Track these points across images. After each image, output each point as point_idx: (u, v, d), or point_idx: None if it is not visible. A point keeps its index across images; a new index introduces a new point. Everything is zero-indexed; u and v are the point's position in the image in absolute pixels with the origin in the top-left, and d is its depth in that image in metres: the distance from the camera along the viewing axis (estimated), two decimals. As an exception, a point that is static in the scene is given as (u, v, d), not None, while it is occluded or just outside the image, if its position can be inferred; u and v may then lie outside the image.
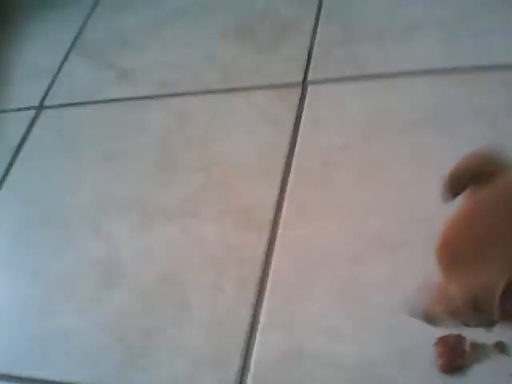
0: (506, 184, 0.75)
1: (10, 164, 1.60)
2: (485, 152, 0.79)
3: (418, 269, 1.13)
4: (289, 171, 1.35)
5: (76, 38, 1.86)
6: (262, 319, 1.15)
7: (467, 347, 1.03)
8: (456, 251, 0.75)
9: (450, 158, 1.28)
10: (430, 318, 0.79)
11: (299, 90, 1.49)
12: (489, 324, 0.77)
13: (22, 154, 1.61)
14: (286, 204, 1.30)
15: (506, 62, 1.36)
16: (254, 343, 1.12)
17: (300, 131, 1.41)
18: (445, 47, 1.44)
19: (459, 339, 1.04)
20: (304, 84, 1.50)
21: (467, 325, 0.78)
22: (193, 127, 1.51)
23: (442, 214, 1.21)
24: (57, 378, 1.19)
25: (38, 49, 1.89)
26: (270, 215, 1.29)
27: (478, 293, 0.70)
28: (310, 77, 1.51)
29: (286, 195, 1.31)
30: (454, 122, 1.31)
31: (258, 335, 1.13)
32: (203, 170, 1.41)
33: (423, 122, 1.34)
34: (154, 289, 1.25)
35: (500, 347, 1.03)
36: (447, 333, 1.03)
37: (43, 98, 1.73)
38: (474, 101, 1.33)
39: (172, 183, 1.41)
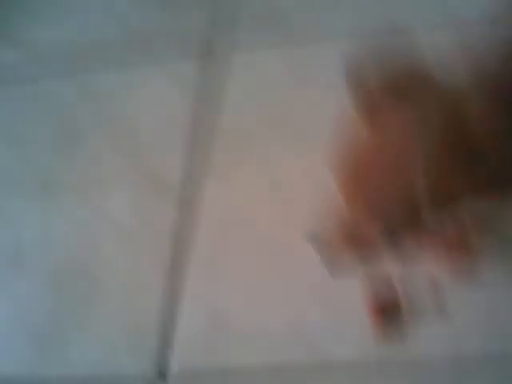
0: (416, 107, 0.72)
1: None
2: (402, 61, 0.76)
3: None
4: (201, 135, 1.25)
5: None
6: (181, 291, 1.05)
7: (403, 305, 0.97)
8: (365, 177, 0.71)
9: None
10: (327, 247, 0.76)
11: (213, 55, 1.40)
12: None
13: None
14: (200, 169, 1.20)
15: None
16: (173, 320, 1.02)
17: (212, 96, 1.31)
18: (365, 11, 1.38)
19: (394, 298, 0.97)
20: (218, 49, 1.41)
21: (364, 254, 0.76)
22: (99, 97, 1.39)
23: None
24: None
25: None
26: (183, 183, 1.19)
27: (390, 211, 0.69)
28: (224, 41, 1.42)
29: (199, 160, 1.22)
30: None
31: (177, 310, 1.03)
32: (110, 142, 1.30)
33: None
34: (60, 272, 1.13)
35: (437, 303, 0.97)
36: (382, 291, 0.98)
37: None
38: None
39: (77, 156, 1.29)
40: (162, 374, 0.95)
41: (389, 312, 0.96)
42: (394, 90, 0.76)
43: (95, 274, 1.12)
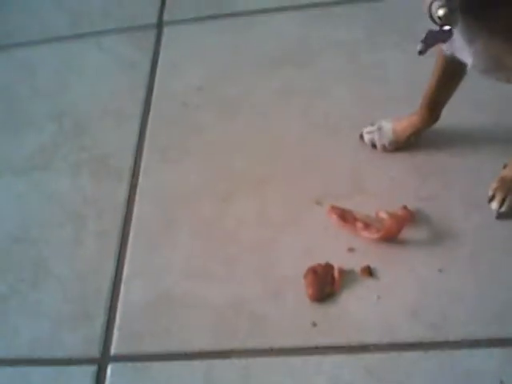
0: None
1: None
2: None
3: (285, 201, 1.12)
4: (147, 115, 1.28)
5: None
6: (126, 269, 1.08)
7: (336, 274, 1.02)
8: None
9: (312, 91, 1.27)
10: None
11: (154, 31, 1.42)
12: None
13: None
14: (145, 149, 1.23)
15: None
16: (118, 295, 1.05)
17: (157, 74, 1.34)
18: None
19: (327, 267, 1.02)
20: (159, 25, 1.43)
21: None
22: (40, 77, 1.39)
23: (302, 146, 1.21)
24: None
25: None
26: (129, 162, 1.21)
27: None
28: (165, 18, 1.44)
29: (145, 140, 1.24)
30: (315, 57, 1.30)
31: (122, 286, 1.06)
32: (54, 120, 1.31)
33: (284, 58, 1.31)
34: (5, 250, 1.14)
35: (367, 271, 1.03)
36: (316, 263, 1.02)
37: None
38: (332, 35, 1.33)
39: (20, 136, 1.29)
40: (107, 354, 0.98)
41: (323, 283, 1.01)
42: None
43: (39, 251, 1.13)
